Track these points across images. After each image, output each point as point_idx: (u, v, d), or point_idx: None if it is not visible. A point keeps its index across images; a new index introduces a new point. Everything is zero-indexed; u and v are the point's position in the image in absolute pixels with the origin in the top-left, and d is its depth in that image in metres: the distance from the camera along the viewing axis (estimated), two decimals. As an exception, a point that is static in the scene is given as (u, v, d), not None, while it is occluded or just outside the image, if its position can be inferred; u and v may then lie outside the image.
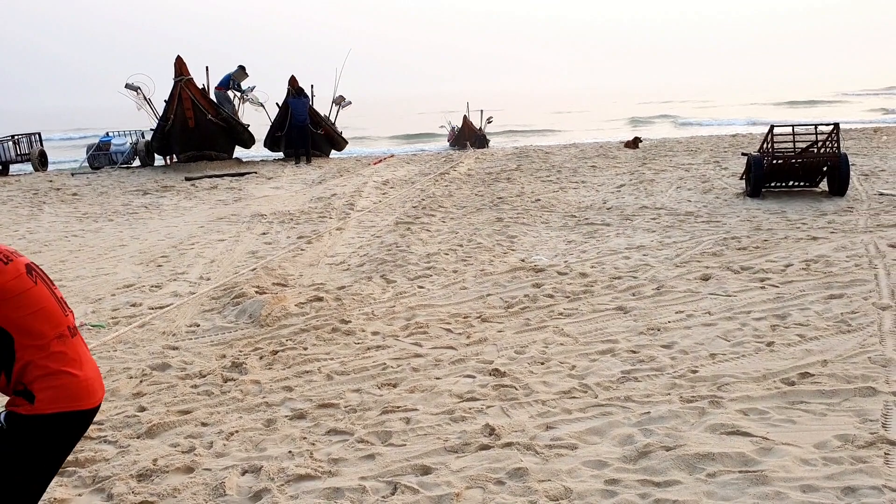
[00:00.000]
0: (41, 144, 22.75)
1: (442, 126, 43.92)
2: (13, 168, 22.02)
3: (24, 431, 2.40)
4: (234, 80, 20.65)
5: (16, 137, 21.93)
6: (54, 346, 2.41)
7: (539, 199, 11.87)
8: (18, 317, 2.34)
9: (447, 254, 8.39)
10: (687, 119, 50.37)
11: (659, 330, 5.54)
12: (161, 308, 6.76)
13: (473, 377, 4.83)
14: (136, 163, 21.25)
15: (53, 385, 2.39)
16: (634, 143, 19.57)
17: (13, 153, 21.65)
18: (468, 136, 32.86)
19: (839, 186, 10.84)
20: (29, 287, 2.39)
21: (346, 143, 23.87)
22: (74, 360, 2.46)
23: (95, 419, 4.39)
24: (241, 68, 20.73)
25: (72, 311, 2.57)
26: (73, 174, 19.34)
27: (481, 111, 34.64)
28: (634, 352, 5.12)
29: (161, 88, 20.09)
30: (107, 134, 22.43)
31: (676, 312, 5.93)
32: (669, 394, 4.40)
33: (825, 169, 11.06)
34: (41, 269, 2.53)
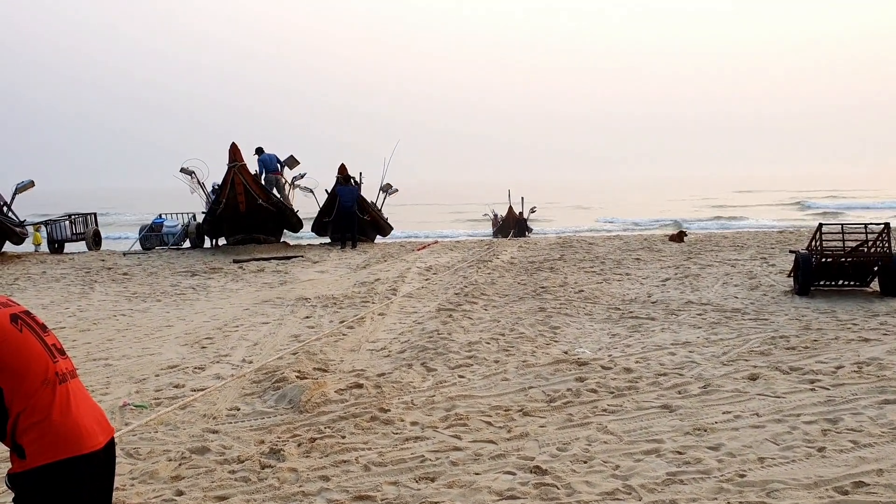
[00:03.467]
0: (96, 224, 23.52)
1: (485, 214, 44.60)
2: (68, 246, 22.71)
3: (24, 491, 2.34)
4: (283, 165, 21.45)
5: (72, 217, 22.74)
6: (40, 395, 2.36)
7: (582, 290, 11.81)
8: (2, 367, 2.32)
9: (489, 343, 8.34)
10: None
11: (705, 430, 5.39)
12: (203, 390, 6.79)
13: (514, 474, 4.72)
14: (187, 244, 21.79)
15: (38, 435, 2.33)
16: (679, 237, 19.47)
17: (69, 232, 22.42)
18: (512, 225, 33.48)
19: (891, 286, 10.62)
20: (11, 336, 2.37)
21: (392, 228, 24.28)
22: (60, 406, 2.39)
23: (133, 502, 4.38)
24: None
25: (66, 358, 2.52)
26: (124, 254, 19.86)
27: (522, 198, 35.64)
28: (680, 453, 4.98)
29: (214, 172, 20.78)
30: (160, 216, 23.12)
31: (724, 413, 5.78)
32: (716, 498, 4.25)
33: (876, 268, 10.87)
34: (33, 317, 2.51)
